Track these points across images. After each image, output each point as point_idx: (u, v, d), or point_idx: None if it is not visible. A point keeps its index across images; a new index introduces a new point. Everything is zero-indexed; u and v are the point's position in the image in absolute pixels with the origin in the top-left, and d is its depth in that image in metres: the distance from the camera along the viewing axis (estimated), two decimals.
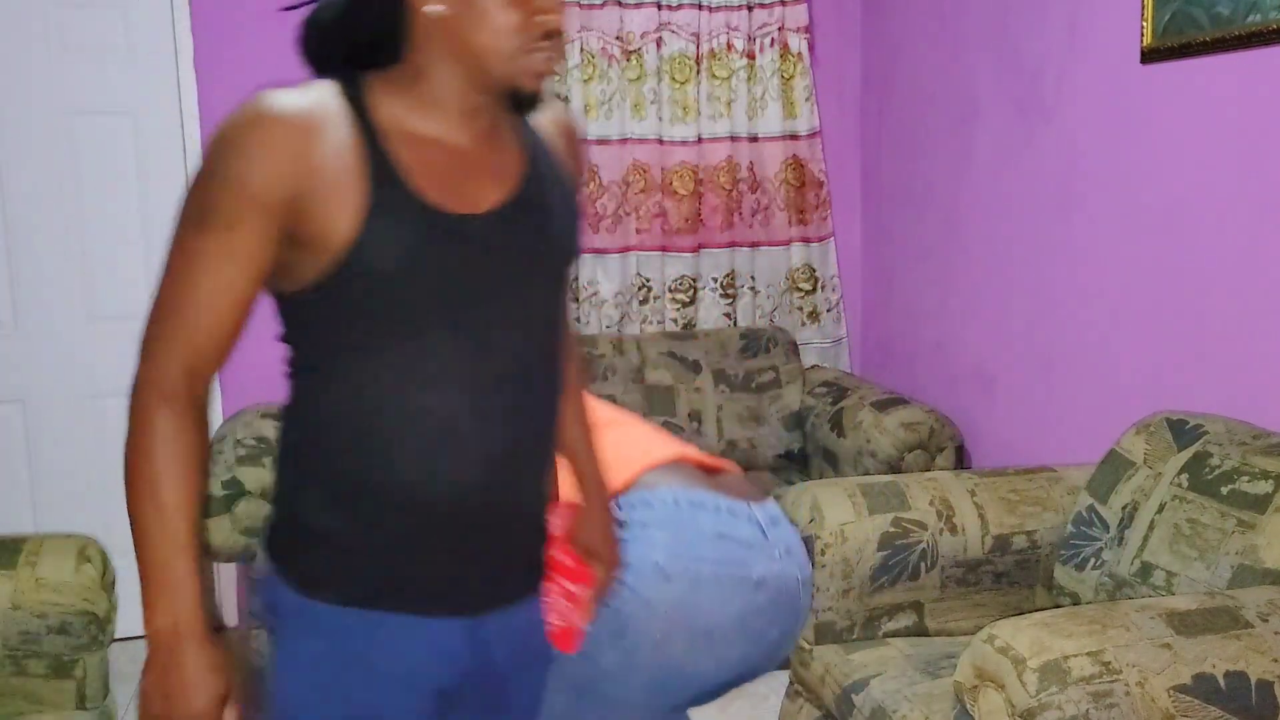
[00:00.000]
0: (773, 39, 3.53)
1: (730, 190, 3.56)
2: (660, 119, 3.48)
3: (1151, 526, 1.98)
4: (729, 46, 3.49)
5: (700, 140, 3.52)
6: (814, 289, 3.68)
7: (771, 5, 3.51)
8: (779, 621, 1.52)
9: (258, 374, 3.28)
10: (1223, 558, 1.81)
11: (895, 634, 2.17)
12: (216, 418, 3.25)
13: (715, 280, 3.61)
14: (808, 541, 2.13)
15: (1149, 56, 2.35)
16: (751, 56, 3.53)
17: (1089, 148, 2.59)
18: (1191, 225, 2.30)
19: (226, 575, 3.35)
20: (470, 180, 1.14)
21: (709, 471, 1.60)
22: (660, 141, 3.47)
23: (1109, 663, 1.43)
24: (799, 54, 3.55)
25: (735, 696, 2.88)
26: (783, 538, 1.54)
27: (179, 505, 1.04)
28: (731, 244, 3.60)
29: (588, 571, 1.37)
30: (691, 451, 1.63)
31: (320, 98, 1.09)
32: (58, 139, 3.09)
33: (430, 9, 1.09)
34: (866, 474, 2.84)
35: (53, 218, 3.12)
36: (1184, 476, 1.97)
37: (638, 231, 3.49)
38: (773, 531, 1.53)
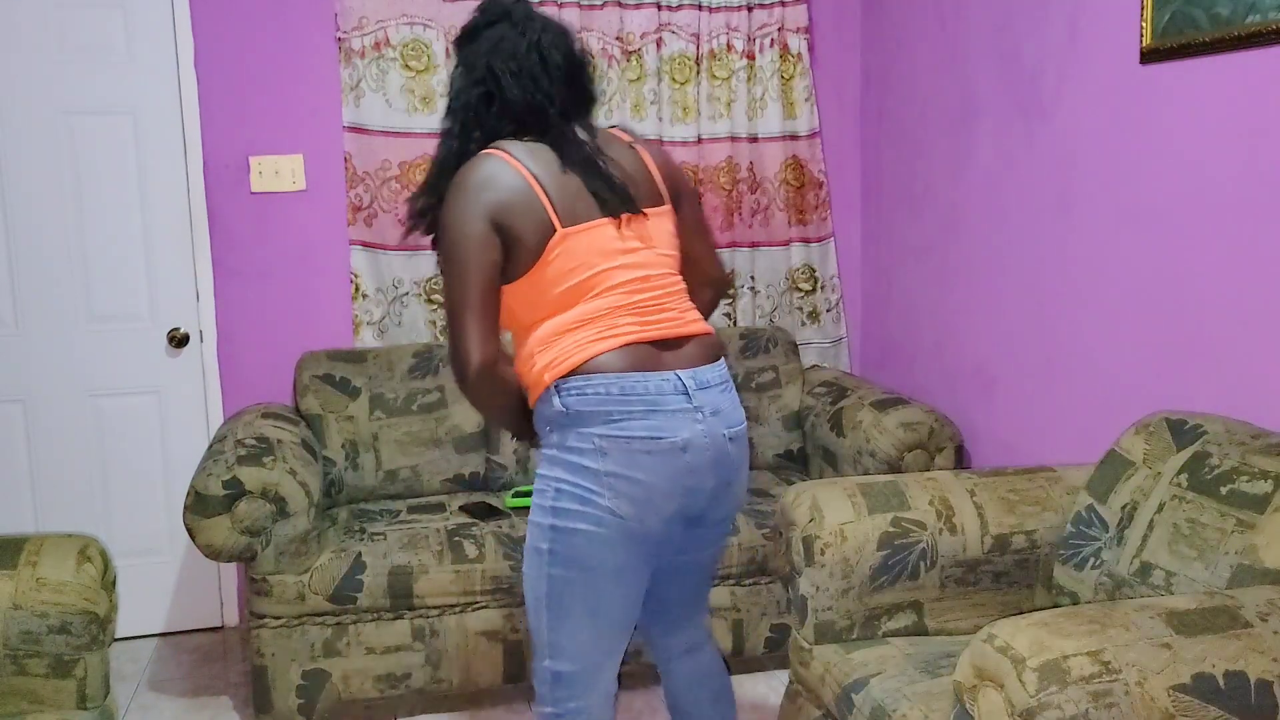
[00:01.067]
0: (772, 39, 3.53)
1: (730, 190, 3.56)
2: (660, 119, 3.48)
3: (1151, 526, 1.98)
4: (729, 47, 3.49)
5: (700, 140, 3.52)
6: (814, 289, 3.69)
7: (771, 6, 3.51)
8: (711, 474, 1.78)
9: (258, 374, 3.30)
10: (1222, 557, 1.81)
11: (895, 633, 2.17)
12: (217, 417, 3.25)
13: None
14: (807, 541, 2.13)
15: (1148, 57, 2.36)
16: (751, 57, 3.53)
17: (1088, 148, 2.59)
18: (1191, 225, 2.30)
19: (226, 575, 3.35)
20: None
21: (670, 343, 1.80)
22: (660, 142, 3.47)
23: (1108, 662, 1.43)
24: (799, 54, 3.56)
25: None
26: (708, 400, 1.78)
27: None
28: (731, 244, 3.60)
29: None
30: (661, 329, 1.79)
31: None
32: (58, 139, 3.09)
33: None
34: (866, 474, 2.84)
35: (53, 218, 3.12)
36: (1183, 476, 1.97)
37: None
38: (699, 397, 1.76)
